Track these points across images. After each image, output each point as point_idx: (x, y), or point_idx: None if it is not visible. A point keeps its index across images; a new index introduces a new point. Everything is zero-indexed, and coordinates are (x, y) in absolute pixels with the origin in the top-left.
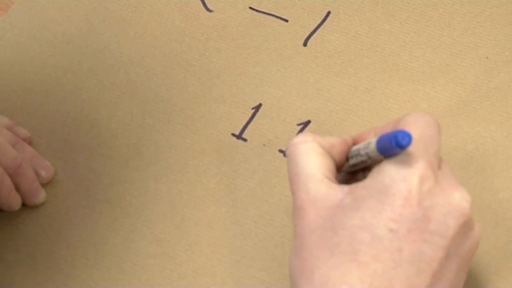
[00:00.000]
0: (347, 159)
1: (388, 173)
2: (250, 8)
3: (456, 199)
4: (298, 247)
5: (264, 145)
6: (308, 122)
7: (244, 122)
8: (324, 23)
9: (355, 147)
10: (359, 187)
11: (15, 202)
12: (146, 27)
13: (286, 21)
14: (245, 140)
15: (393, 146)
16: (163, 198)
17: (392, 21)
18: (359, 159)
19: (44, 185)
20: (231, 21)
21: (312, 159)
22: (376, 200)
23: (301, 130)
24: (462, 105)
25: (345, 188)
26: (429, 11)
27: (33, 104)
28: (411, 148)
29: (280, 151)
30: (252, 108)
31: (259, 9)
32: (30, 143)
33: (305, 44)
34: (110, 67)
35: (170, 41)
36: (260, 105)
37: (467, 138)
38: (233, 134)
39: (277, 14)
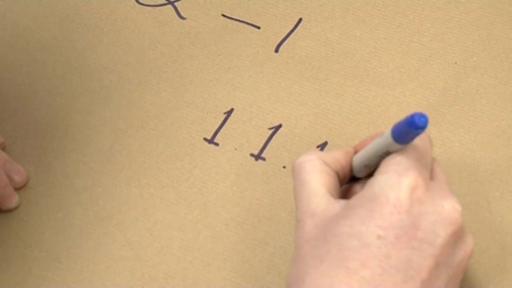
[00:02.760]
0: (351, 169)
1: (378, 182)
2: (223, 15)
3: (445, 208)
4: (294, 257)
5: (235, 149)
6: (280, 126)
7: (216, 127)
8: (296, 30)
9: (359, 153)
10: (352, 198)
11: None
12: (120, 34)
13: (258, 28)
14: (217, 144)
15: (411, 129)
16: (135, 202)
17: (363, 27)
18: (368, 159)
19: (18, 189)
20: (203, 28)
21: (315, 176)
22: (365, 208)
23: (272, 134)
24: (431, 109)
25: (343, 202)
26: (399, 18)
27: (7, 110)
28: (403, 158)
29: (252, 155)
30: (224, 113)
31: (231, 16)
32: (3, 149)
33: (276, 51)
34: (84, 73)
35: (143, 47)
36: (232, 110)
37: (435, 142)
38: (205, 139)
39: (249, 21)
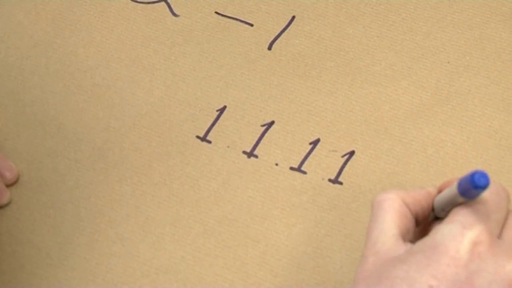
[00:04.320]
0: (432, 209)
1: (442, 231)
2: (216, 12)
3: (506, 269)
4: None
5: (228, 146)
6: (272, 123)
7: (208, 125)
8: (289, 28)
9: (439, 195)
10: (415, 244)
11: None
12: (113, 32)
13: (251, 25)
14: (209, 142)
15: (471, 187)
16: (127, 199)
17: (356, 25)
18: (444, 204)
19: (9, 186)
20: (196, 25)
21: (391, 216)
22: (424, 255)
23: (265, 131)
24: (423, 108)
25: (409, 245)
26: (392, 16)
27: None
28: (472, 211)
29: (244, 152)
30: (217, 111)
31: (224, 13)
32: None
33: (269, 48)
34: (76, 71)
35: (136, 45)
36: (224, 107)
37: (428, 142)
38: (198, 137)
39: (242, 19)
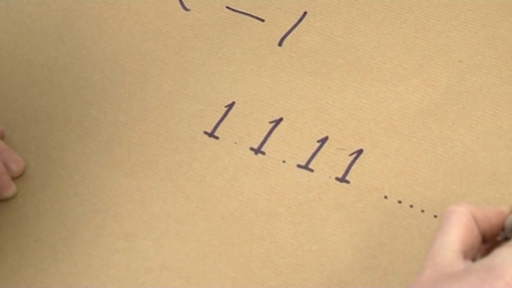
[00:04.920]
0: (502, 228)
1: (502, 254)
2: (227, 7)
3: None
4: None
5: (235, 143)
6: (280, 119)
7: (216, 120)
8: (300, 24)
9: (511, 215)
10: (474, 263)
11: None
12: (123, 25)
13: (262, 21)
14: (217, 138)
15: None
16: (133, 194)
17: (368, 22)
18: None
19: (15, 179)
20: (207, 20)
21: (457, 230)
22: (479, 277)
23: (273, 128)
24: (434, 107)
25: (468, 263)
26: (404, 13)
27: (7, 98)
28: None
29: (251, 149)
30: (225, 106)
31: (235, 8)
32: (2, 137)
33: (280, 44)
34: (85, 64)
35: (146, 39)
36: (233, 103)
37: (437, 141)
38: (205, 132)
39: (254, 14)
